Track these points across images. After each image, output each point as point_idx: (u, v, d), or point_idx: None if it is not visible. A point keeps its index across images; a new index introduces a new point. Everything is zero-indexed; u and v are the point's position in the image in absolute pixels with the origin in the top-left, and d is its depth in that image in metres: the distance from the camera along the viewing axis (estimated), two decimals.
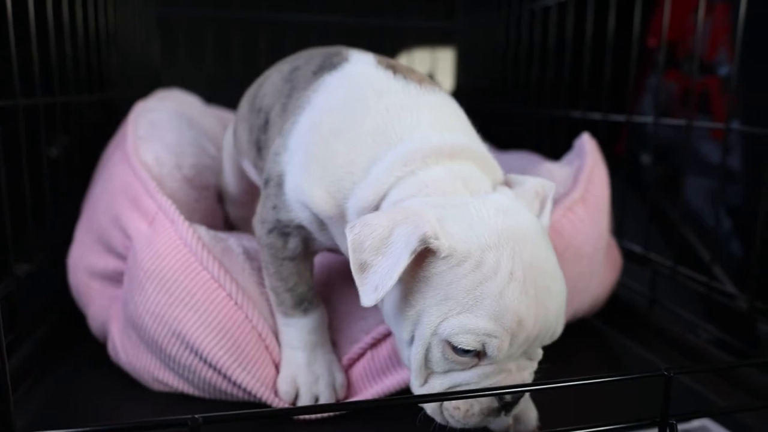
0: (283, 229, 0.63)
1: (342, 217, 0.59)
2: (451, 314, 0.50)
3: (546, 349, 0.55)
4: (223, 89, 1.40)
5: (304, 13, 1.44)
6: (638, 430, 0.61)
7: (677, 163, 1.14)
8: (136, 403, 0.68)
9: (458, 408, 0.52)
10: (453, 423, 0.53)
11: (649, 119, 0.97)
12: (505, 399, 0.52)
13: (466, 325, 0.49)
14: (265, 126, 0.71)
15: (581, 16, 1.10)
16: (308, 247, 0.65)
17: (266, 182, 0.64)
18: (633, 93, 1.15)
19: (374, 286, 0.49)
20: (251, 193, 0.87)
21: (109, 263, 0.76)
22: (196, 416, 0.43)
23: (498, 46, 1.42)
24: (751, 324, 0.82)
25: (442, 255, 0.49)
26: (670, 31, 0.95)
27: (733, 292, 0.83)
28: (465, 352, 0.50)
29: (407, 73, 0.62)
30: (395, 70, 0.62)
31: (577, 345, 0.83)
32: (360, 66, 0.64)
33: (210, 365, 0.65)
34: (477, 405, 0.52)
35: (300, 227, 0.63)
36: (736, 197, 1.05)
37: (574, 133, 0.95)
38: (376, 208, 0.56)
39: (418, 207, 0.52)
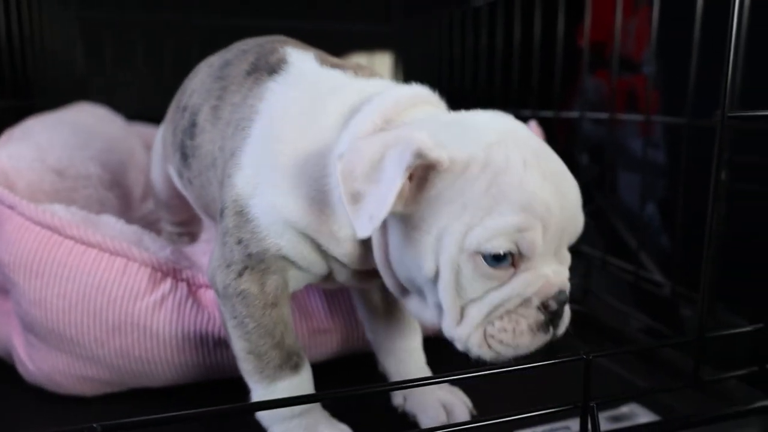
0: (257, 266, 0.53)
1: (328, 226, 0.52)
2: (474, 222, 0.45)
3: None
4: (154, 96, 1.35)
5: (239, 17, 1.42)
6: (565, 419, 0.61)
7: (610, 161, 1.17)
8: (35, 422, 0.64)
9: (505, 330, 0.47)
10: (504, 351, 0.48)
11: (575, 114, 1.00)
12: (551, 307, 0.48)
13: (495, 227, 0.45)
14: (191, 129, 0.63)
15: (511, 16, 1.12)
16: (289, 284, 0.56)
17: (222, 214, 0.54)
18: (566, 93, 1.18)
19: (369, 215, 0.44)
20: (181, 197, 0.82)
21: None
22: (94, 425, 0.41)
23: (434, 47, 1.43)
24: (675, 309, 0.84)
25: (444, 166, 0.46)
26: (598, 32, 0.97)
27: (661, 280, 0.86)
28: (499, 260, 0.46)
29: (356, 70, 0.59)
30: (341, 68, 0.58)
31: None
32: (304, 67, 0.58)
33: (111, 327, 0.63)
34: (524, 321, 0.47)
35: (280, 258, 0.54)
36: (663, 191, 1.08)
37: None
38: None
39: (408, 128, 0.48)
